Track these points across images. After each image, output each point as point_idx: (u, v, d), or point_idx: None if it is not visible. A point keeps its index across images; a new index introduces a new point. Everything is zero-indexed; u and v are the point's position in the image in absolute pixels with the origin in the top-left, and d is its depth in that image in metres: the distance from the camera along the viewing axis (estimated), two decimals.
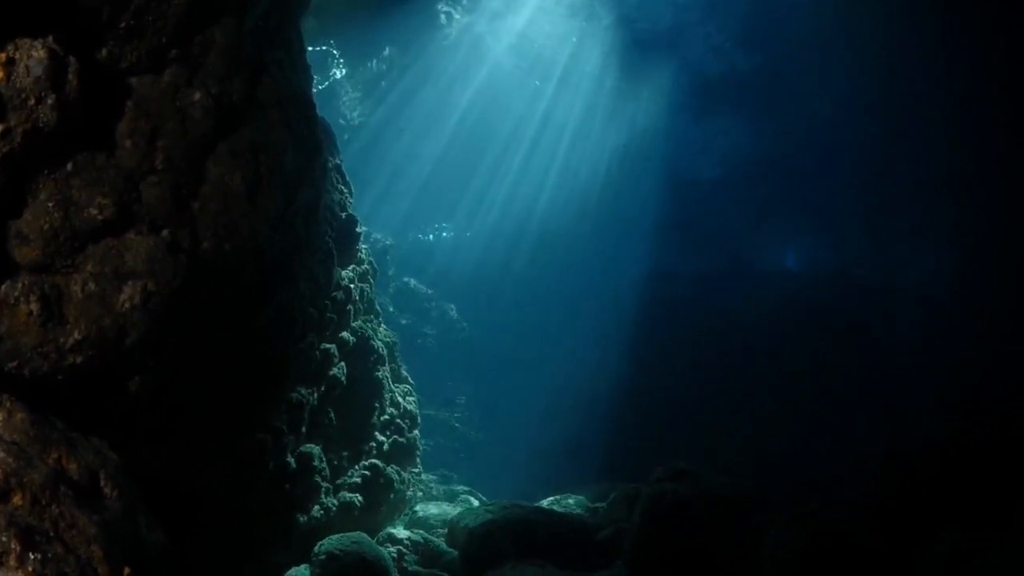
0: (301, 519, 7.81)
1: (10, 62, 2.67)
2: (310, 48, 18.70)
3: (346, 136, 23.16)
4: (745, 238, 24.06)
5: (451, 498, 13.03)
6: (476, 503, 12.50)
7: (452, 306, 25.69)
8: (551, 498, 12.51)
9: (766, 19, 20.99)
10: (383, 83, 24.58)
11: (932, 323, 18.22)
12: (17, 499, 2.07)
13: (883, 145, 19.66)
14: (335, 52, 21.13)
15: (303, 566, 7.50)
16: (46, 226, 2.99)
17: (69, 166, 3.14)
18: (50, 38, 2.79)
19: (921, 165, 18.65)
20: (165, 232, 3.77)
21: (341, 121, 23.94)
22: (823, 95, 20.58)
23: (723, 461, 14.51)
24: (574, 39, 24.78)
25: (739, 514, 7.96)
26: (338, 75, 23.06)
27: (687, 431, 17.74)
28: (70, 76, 2.88)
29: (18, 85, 2.68)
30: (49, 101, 2.76)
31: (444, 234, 32.41)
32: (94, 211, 3.21)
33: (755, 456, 15.97)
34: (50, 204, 3.00)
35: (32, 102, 2.72)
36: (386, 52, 23.19)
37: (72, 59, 2.93)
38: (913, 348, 17.97)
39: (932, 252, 19.80)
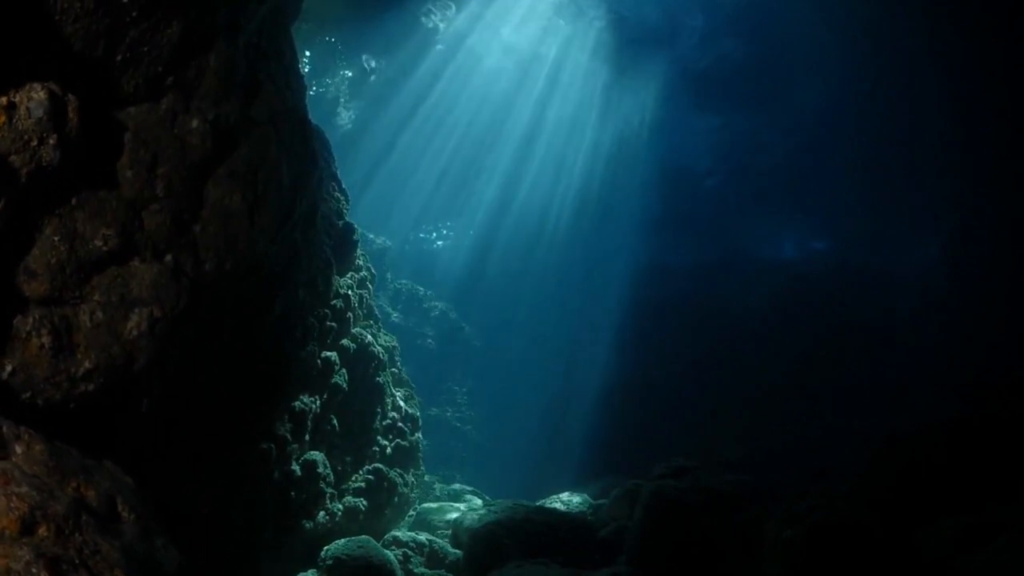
0: (307, 525, 7.92)
1: (11, 106, 2.75)
2: (309, 50, 18.74)
3: (341, 139, 23.18)
4: (740, 229, 24.18)
5: (454, 498, 13.17)
6: (479, 503, 12.63)
7: (451, 306, 25.79)
8: (553, 496, 12.64)
9: (757, 9, 21.04)
10: (376, 87, 24.62)
11: (930, 308, 18.36)
12: (43, 531, 2.17)
13: (877, 133, 19.74)
14: (339, 47, 21.05)
15: (311, 571, 7.62)
16: (53, 260, 3.08)
17: (73, 200, 3.22)
18: (50, 81, 2.87)
19: (916, 151, 18.74)
20: (168, 257, 3.86)
21: (336, 119, 23.98)
22: (816, 85, 20.66)
23: (723, 453, 14.66)
24: (564, 37, 24.80)
25: (740, 509, 8.08)
26: (348, 73, 23.05)
27: (687, 424, 17.89)
28: (70, 114, 2.97)
29: (20, 127, 2.76)
30: (51, 141, 2.84)
31: (443, 231, 32.48)
32: (99, 242, 3.30)
33: (755, 447, 16.11)
34: (56, 238, 3.09)
35: (35, 143, 2.80)
36: (378, 57, 23.21)
37: (71, 97, 3.01)
38: (911, 333, 18.11)
39: (928, 238, 19.92)
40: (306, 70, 21.54)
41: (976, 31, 15.46)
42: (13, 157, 2.77)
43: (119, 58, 3.52)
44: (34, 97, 2.81)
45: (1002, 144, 16.37)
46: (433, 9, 22.08)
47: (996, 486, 6.23)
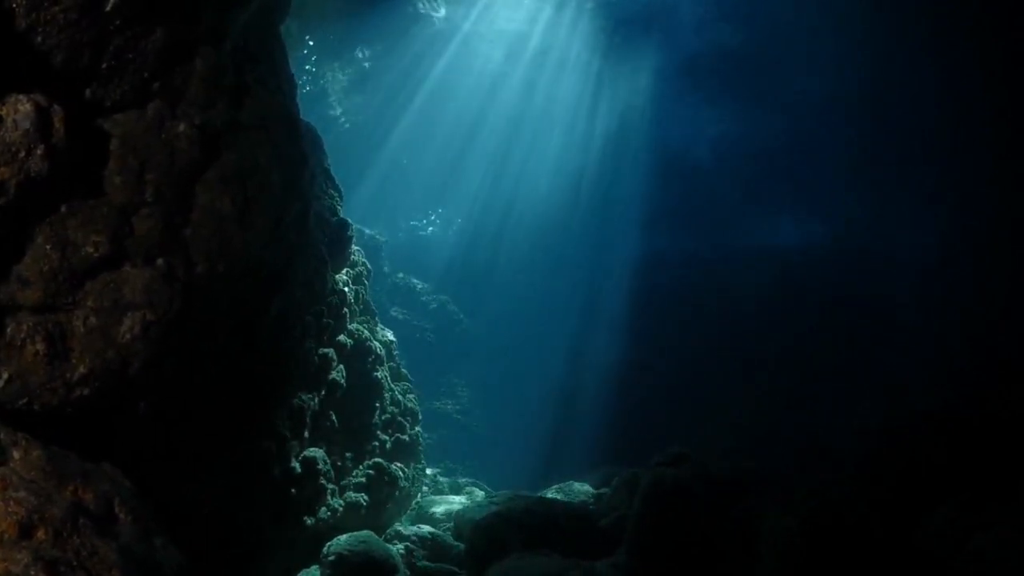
0: (309, 522, 8.01)
1: None
2: (308, 39, 18.63)
3: (334, 133, 23.16)
4: (737, 216, 24.17)
5: (456, 491, 13.27)
6: (481, 495, 12.73)
7: (449, 299, 25.86)
8: (555, 486, 12.74)
9: None
10: (369, 78, 24.58)
11: (929, 293, 18.40)
12: (41, 534, 2.23)
13: (873, 116, 19.72)
14: (333, 43, 20.99)
15: (313, 567, 7.71)
16: (45, 268, 3.13)
17: (63, 208, 3.27)
18: (35, 92, 2.91)
19: (914, 144, 18.73)
20: (160, 261, 3.91)
21: (330, 113, 23.95)
22: (813, 73, 20.61)
23: (722, 442, 14.76)
24: (558, 26, 24.73)
25: (738, 497, 8.15)
26: (342, 68, 23.03)
27: (688, 412, 17.99)
28: (56, 124, 3.01)
29: (7, 140, 2.80)
30: (39, 152, 2.88)
31: (437, 222, 32.48)
32: (90, 249, 3.34)
33: (754, 436, 16.21)
34: (47, 247, 3.14)
35: (22, 155, 2.84)
36: (371, 49, 23.16)
37: (57, 107, 3.05)
38: (909, 322, 18.17)
39: (926, 222, 19.93)
40: (311, 63, 21.46)
41: (970, 10, 15.40)
42: (2, 169, 2.82)
43: (104, 66, 3.55)
44: (20, 109, 2.85)
45: (998, 122, 16.37)
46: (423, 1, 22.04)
47: (996, 487, 6.22)
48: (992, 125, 16.56)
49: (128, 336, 3.56)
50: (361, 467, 9.60)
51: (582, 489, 12.47)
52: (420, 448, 12.09)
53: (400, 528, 9.81)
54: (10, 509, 2.27)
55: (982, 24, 15.44)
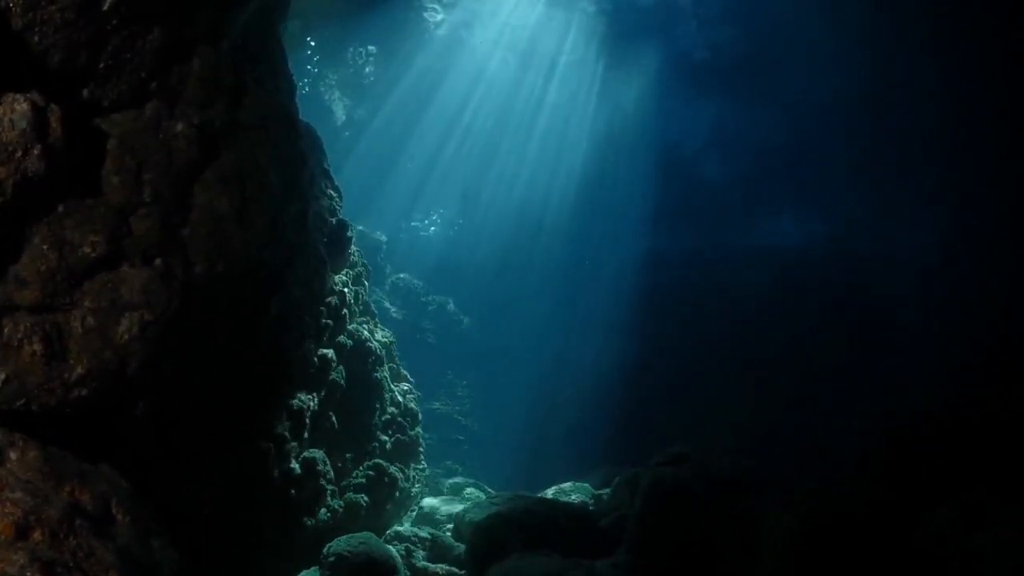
0: (308, 523, 8.00)
1: None
2: (309, 40, 18.66)
3: (334, 133, 23.17)
4: (737, 216, 24.17)
5: (456, 492, 13.26)
6: (481, 495, 12.72)
7: (449, 299, 25.85)
8: (556, 487, 12.72)
9: None
10: (369, 79, 24.60)
11: (929, 293, 18.38)
12: (37, 535, 2.23)
13: (873, 116, 19.71)
14: (333, 41, 21.03)
15: (313, 569, 7.70)
16: (43, 268, 3.12)
17: (60, 208, 3.26)
18: (32, 91, 2.90)
19: (913, 135, 18.70)
20: (158, 261, 3.90)
21: (330, 114, 23.97)
22: (811, 69, 20.62)
23: (722, 442, 14.74)
24: (558, 27, 24.76)
25: (738, 497, 8.14)
26: (342, 67, 23.06)
27: (688, 411, 17.98)
28: (53, 124, 3.00)
29: (4, 139, 2.79)
30: (36, 152, 2.88)
31: (437, 222, 32.46)
32: (87, 249, 3.34)
33: (754, 436, 16.19)
34: (45, 247, 3.13)
35: (19, 154, 2.84)
36: (370, 49, 23.18)
37: (54, 107, 3.04)
38: (911, 319, 18.14)
39: (926, 222, 19.93)
40: (311, 63, 21.48)
41: (970, 9, 15.40)
42: None
43: (102, 66, 3.55)
44: (16, 109, 2.84)
45: (999, 121, 16.36)
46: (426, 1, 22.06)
47: (996, 487, 6.21)
48: (992, 125, 16.55)
49: (126, 336, 3.56)
50: (361, 468, 9.59)
51: (583, 489, 12.46)
52: (420, 449, 12.08)
53: (400, 529, 9.80)
54: (6, 510, 2.27)
55: (982, 24, 15.43)
